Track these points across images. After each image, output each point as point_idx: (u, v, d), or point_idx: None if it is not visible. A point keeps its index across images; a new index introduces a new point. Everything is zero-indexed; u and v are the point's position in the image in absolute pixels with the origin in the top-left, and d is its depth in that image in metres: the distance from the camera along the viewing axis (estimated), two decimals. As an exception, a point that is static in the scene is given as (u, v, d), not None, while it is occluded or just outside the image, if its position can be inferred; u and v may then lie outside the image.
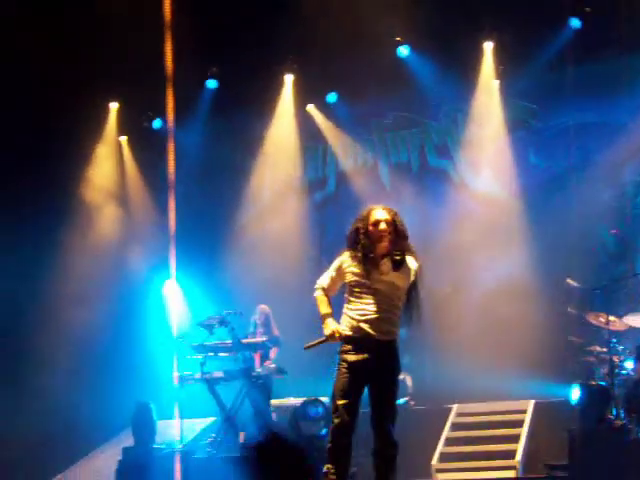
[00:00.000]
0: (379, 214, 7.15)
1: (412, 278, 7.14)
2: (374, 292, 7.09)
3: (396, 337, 7.20)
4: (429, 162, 14.84)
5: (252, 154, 15.43)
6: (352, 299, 7.17)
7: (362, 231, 7.18)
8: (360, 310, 7.10)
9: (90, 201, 15.10)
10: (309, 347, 7.39)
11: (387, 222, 7.08)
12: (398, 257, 6.93)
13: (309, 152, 15.62)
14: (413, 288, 7.21)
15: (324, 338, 7.20)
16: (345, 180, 15.22)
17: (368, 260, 7.15)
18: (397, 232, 7.04)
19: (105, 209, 15.30)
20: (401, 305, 7.17)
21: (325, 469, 7.05)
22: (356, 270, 7.18)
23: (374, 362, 7.04)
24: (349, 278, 7.21)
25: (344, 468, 7.11)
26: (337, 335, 7.09)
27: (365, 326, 7.05)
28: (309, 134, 15.32)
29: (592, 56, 12.97)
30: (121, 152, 15.69)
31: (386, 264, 7.06)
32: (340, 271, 7.28)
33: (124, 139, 15.70)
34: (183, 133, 13.57)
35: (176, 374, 11.60)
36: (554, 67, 13.32)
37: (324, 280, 7.38)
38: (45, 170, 13.60)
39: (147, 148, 14.93)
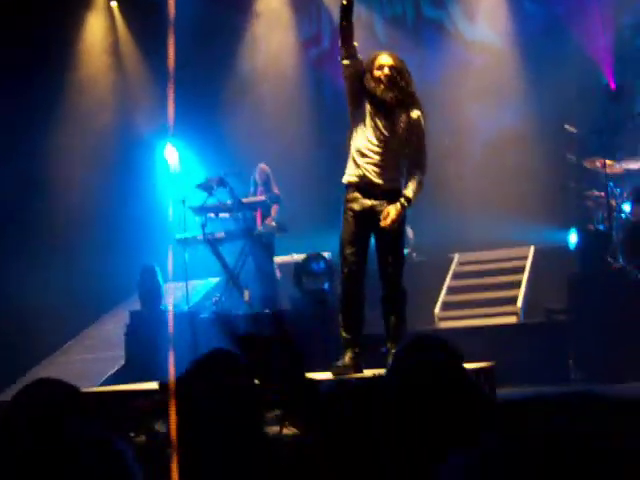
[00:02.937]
0: (384, 59, 7.08)
1: (414, 125, 7.11)
2: (378, 135, 7.08)
3: (400, 185, 7.18)
4: (424, 13, 14.65)
5: (245, 14, 15.23)
6: (356, 136, 7.16)
7: (367, 75, 7.16)
8: (364, 155, 7.09)
9: (84, 71, 14.94)
10: None
11: (390, 67, 7.04)
12: (401, 103, 6.98)
13: (302, 9, 15.40)
14: (415, 136, 7.18)
15: None
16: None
17: (373, 103, 7.13)
18: (401, 78, 7.00)
19: (100, 78, 15.16)
20: (406, 152, 7.16)
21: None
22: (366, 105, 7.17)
23: (379, 209, 7.09)
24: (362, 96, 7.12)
25: (357, 318, 7.20)
26: None
27: (369, 174, 7.06)
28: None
29: None
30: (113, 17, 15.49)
31: (390, 110, 7.06)
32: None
33: (115, 4, 15.46)
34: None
35: (178, 236, 11.65)
36: None
37: None
38: (33, 43, 13.38)
39: (139, 13, 14.68)
